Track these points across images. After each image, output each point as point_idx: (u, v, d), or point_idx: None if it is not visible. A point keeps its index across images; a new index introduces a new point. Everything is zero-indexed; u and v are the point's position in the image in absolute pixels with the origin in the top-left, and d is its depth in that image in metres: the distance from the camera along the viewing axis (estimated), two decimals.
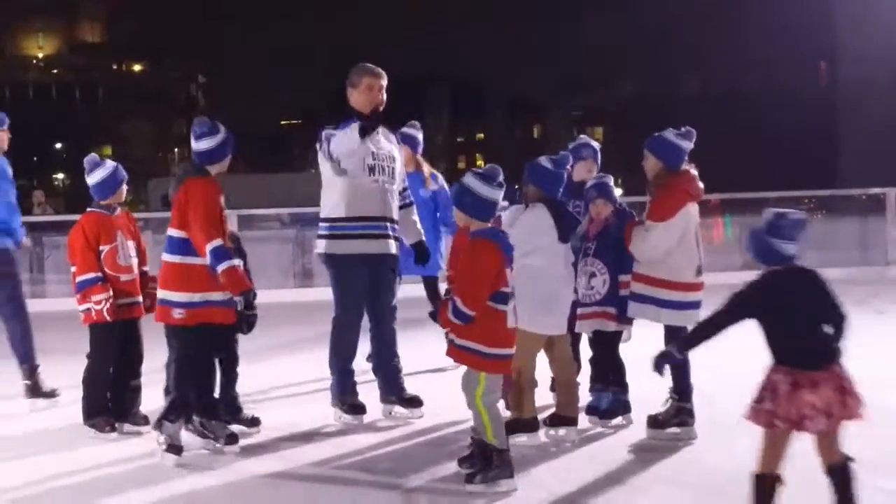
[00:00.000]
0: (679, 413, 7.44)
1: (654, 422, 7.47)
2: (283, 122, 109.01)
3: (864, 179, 26.46)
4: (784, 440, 5.18)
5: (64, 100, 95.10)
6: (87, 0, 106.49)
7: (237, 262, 7.17)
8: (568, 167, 7.69)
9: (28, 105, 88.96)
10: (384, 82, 8.30)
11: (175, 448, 7.14)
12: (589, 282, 7.80)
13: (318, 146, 8.11)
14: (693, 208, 7.48)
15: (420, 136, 10.35)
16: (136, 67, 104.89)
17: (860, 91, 69.20)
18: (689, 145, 7.49)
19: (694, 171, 7.51)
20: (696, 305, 7.45)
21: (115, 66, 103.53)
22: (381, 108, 8.29)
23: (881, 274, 18.63)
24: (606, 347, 7.92)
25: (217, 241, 7.03)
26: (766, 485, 5.24)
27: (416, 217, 8.77)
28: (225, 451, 7.38)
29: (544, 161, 7.46)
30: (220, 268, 7.01)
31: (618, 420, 7.85)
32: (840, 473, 5.24)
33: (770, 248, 5.23)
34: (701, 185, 7.52)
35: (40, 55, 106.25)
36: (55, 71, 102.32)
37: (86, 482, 6.83)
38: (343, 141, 7.88)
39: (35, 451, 7.63)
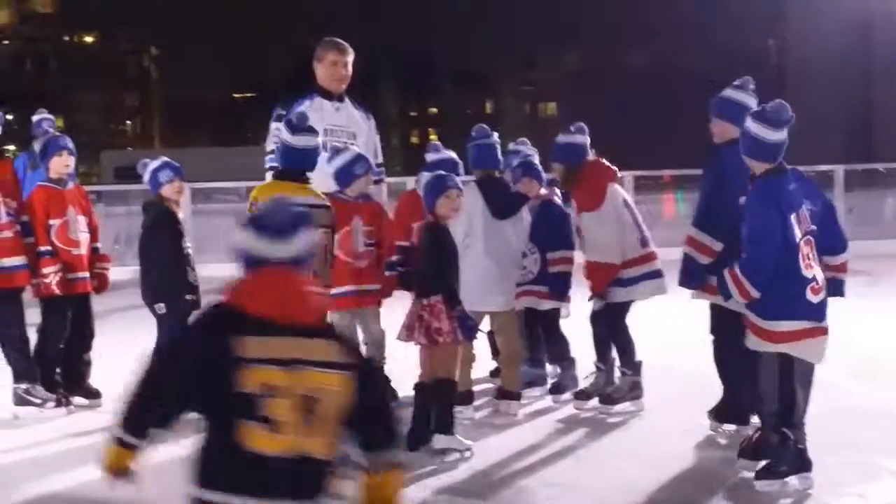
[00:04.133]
0: (633, 388, 7.52)
1: (608, 398, 7.52)
2: (235, 95, 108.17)
3: (812, 157, 26.71)
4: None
5: (15, 71, 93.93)
6: None
7: None
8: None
9: None
10: (349, 58, 8.20)
11: None
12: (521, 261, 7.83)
13: (271, 126, 8.06)
14: (616, 188, 7.62)
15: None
16: (88, 39, 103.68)
17: (806, 71, 69.51)
18: (582, 139, 7.63)
19: (602, 160, 7.65)
20: (652, 276, 7.53)
21: (66, 38, 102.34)
22: (346, 84, 8.21)
23: None
24: (542, 325, 8.03)
25: None
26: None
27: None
28: (47, 416, 7.61)
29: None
30: None
31: (567, 395, 7.88)
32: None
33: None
34: (614, 167, 7.67)
35: None
36: (6, 42, 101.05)
37: (41, 456, 6.82)
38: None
39: None
